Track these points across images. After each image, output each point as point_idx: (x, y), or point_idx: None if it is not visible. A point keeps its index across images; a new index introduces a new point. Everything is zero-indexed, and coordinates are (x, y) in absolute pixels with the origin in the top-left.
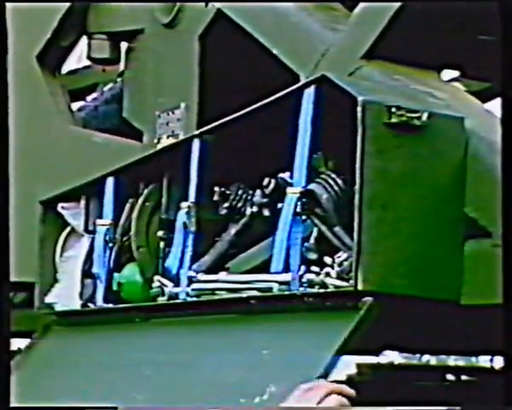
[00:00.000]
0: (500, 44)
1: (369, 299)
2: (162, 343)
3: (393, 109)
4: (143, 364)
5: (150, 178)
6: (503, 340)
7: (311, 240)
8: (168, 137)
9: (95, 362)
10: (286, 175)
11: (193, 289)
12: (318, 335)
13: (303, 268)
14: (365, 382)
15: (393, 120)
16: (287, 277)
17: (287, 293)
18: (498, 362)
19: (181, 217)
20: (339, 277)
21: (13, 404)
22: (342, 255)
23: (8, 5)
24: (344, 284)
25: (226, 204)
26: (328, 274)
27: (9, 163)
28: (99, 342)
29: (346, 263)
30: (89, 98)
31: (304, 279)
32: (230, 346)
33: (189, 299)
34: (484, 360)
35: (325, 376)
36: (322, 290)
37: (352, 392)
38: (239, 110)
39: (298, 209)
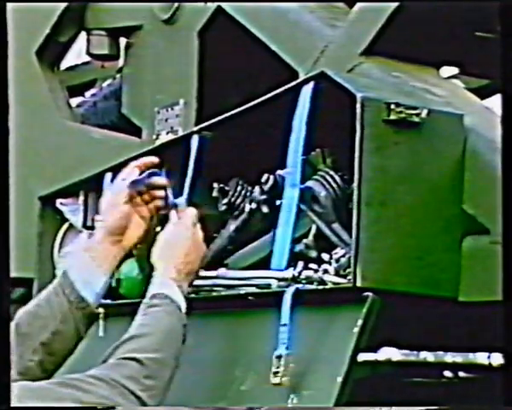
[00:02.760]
0: (499, 41)
1: (369, 294)
2: None
3: (392, 106)
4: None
5: None
6: (504, 339)
7: (310, 237)
8: (167, 133)
9: (93, 358)
10: (284, 172)
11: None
12: (328, 332)
13: (301, 265)
14: (364, 379)
15: (392, 116)
16: (286, 273)
17: (286, 290)
18: (496, 359)
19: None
20: (337, 273)
21: (13, 404)
22: (340, 252)
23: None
24: (342, 280)
25: (225, 200)
26: (326, 271)
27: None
28: (97, 338)
29: (343, 259)
30: (87, 94)
31: (302, 276)
32: (234, 343)
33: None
34: (482, 357)
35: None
36: (320, 287)
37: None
38: (238, 107)
39: (296, 206)
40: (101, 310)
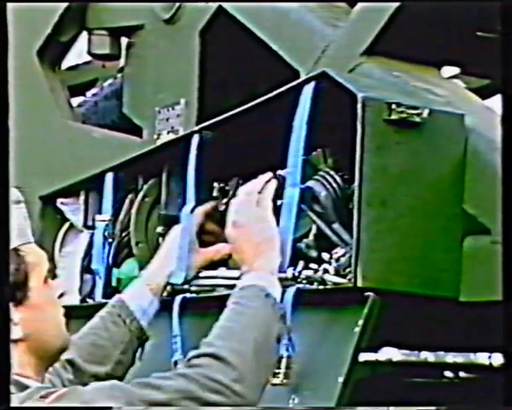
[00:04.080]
0: (500, 41)
1: (370, 294)
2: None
3: (393, 106)
4: (142, 360)
5: (149, 174)
6: (504, 338)
7: (310, 237)
8: (168, 132)
9: None
10: (285, 172)
11: (192, 285)
12: (329, 332)
13: (301, 265)
14: (365, 379)
15: (393, 116)
16: (286, 273)
17: (286, 290)
18: (497, 359)
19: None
20: (337, 273)
21: (13, 404)
22: (340, 251)
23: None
24: (342, 280)
25: (225, 200)
26: (326, 271)
27: (9, 158)
28: None
29: (343, 259)
30: (88, 94)
31: (302, 276)
32: None
33: (188, 295)
34: (482, 357)
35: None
36: (321, 287)
37: None
38: (239, 106)
39: (297, 206)
40: (150, 333)
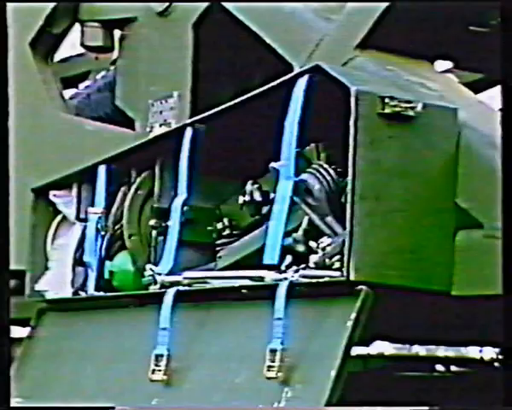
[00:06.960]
0: (499, 34)
1: (363, 287)
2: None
3: (387, 100)
4: (137, 354)
5: (142, 167)
6: (504, 335)
7: (300, 231)
8: (161, 125)
9: (87, 353)
10: (278, 164)
11: (185, 278)
12: (322, 325)
13: (289, 259)
14: (356, 373)
15: (386, 110)
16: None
17: (279, 282)
18: (488, 353)
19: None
20: (323, 262)
21: (13, 404)
22: (326, 240)
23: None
24: (334, 273)
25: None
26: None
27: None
28: (92, 331)
29: (329, 248)
30: (81, 86)
31: (291, 269)
32: (230, 338)
33: (181, 288)
34: (474, 351)
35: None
36: (314, 280)
37: None
38: (232, 99)
39: (290, 199)
40: None
